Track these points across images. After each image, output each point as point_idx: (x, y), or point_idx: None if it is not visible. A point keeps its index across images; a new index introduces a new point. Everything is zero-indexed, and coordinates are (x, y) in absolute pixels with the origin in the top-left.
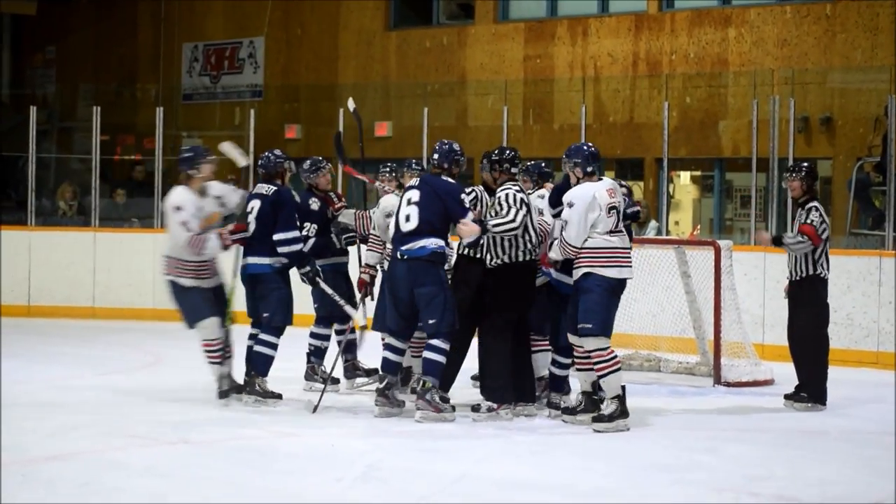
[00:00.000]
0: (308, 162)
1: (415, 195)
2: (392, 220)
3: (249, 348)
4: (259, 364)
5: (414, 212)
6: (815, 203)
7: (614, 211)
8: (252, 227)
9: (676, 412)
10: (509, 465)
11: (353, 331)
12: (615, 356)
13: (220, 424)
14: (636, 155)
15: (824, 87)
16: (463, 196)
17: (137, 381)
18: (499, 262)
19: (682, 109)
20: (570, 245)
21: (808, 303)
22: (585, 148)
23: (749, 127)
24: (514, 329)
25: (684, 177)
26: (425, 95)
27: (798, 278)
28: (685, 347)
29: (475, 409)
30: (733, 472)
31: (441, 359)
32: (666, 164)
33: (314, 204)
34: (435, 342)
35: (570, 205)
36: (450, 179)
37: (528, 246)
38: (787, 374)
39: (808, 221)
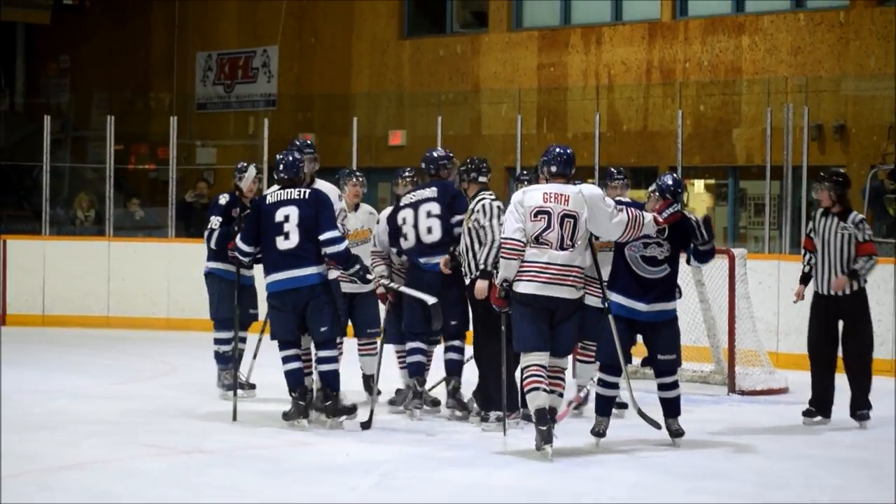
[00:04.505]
0: (240, 164)
1: (434, 207)
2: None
3: (300, 370)
4: (334, 381)
5: (436, 224)
6: (860, 215)
7: (544, 216)
8: (295, 235)
9: (691, 420)
10: (522, 474)
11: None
12: (531, 376)
13: (234, 433)
14: (650, 163)
15: (838, 94)
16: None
17: (152, 390)
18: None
19: (695, 117)
20: (503, 240)
21: (862, 319)
22: (553, 149)
23: (763, 135)
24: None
25: (698, 185)
26: (439, 104)
27: (846, 293)
28: (700, 356)
29: (484, 419)
30: (748, 480)
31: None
32: (680, 172)
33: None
34: (457, 343)
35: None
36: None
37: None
38: (801, 383)
39: (867, 239)
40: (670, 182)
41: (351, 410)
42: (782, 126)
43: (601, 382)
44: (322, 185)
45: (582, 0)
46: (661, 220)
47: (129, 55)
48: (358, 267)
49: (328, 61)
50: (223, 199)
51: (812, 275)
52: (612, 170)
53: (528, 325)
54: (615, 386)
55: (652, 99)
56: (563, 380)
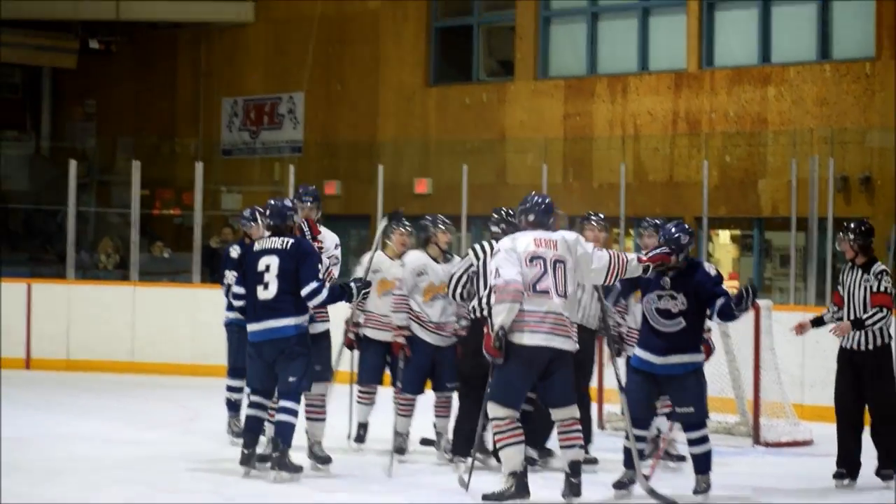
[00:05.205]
0: (247, 210)
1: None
2: (426, 279)
3: (259, 419)
4: (287, 434)
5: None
6: (882, 266)
7: (538, 261)
8: (274, 286)
9: (716, 472)
10: None
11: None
12: (512, 428)
13: (257, 480)
14: (676, 214)
15: (864, 146)
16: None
17: (174, 436)
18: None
19: (721, 168)
20: (501, 282)
21: (883, 374)
22: (532, 197)
23: (788, 186)
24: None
25: (724, 236)
26: (465, 152)
27: (869, 348)
28: (724, 407)
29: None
30: None
31: None
32: (706, 223)
33: (234, 251)
34: None
35: (497, 252)
36: None
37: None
38: (826, 435)
39: (882, 290)
40: (673, 230)
41: (295, 469)
42: (808, 177)
43: (627, 435)
44: (325, 232)
45: (608, 49)
46: (644, 258)
47: (155, 100)
48: (349, 292)
49: (354, 108)
50: (234, 251)
51: (825, 322)
52: (590, 213)
53: (518, 380)
54: (642, 439)
55: (678, 149)
56: (580, 430)
